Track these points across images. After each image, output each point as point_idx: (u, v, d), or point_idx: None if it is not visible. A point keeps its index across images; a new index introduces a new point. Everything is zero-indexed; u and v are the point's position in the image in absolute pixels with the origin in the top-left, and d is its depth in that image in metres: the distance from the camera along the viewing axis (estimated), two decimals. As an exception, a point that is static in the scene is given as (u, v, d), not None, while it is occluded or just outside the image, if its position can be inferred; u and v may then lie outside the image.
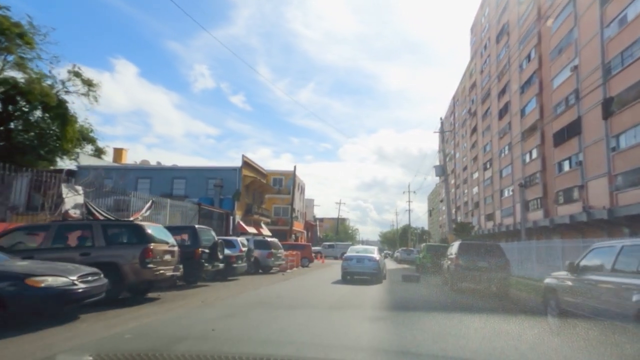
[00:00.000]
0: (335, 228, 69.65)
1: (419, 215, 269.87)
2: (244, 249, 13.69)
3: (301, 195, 45.02)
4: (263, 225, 29.46)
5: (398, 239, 78.19)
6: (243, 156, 25.74)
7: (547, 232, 30.06)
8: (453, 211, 78.97)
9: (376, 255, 15.07)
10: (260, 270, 16.02)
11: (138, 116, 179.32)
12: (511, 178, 39.14)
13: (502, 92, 42.08)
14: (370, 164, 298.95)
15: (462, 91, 69.88)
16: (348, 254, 15.46)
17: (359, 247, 19.16)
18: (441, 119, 29.26)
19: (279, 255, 16.88)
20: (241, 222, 23.90)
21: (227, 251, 11.97)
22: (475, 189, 54.41)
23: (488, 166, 48.34)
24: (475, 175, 54.77)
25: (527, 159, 34.49)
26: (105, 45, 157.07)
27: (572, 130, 25.96)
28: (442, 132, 29.23)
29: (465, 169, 66.02)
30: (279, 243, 17.36)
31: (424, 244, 21.15)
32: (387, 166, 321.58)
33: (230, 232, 22.11)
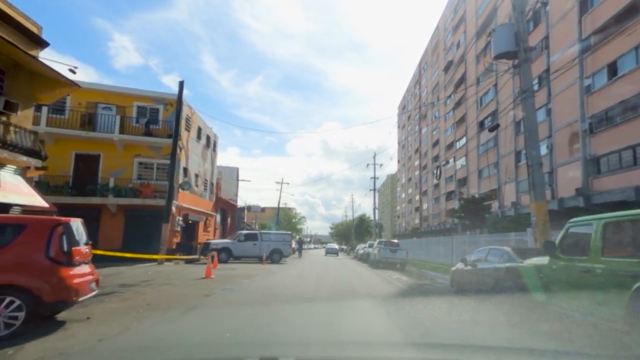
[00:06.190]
0: (276, 216, 50.62)
1: (365, 210, 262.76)
2: None
3: (208, 152, 25.21)
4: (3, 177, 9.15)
5: (354, 231, 61.28)
6: None
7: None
8: (417, 198, 64.39)
9: (337, 247, 44.69)
10: None
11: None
12: (547, 127, 23.63)
13: None
14: (317, 158, 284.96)
15: (433, 50, 55.04)
16: (327, 246, 40.76)
17: (331, 243, 48.13)
18: None
19: None
20: None
21: None
22: (462, 161, 39.16)
23: (487, 123, 33.07)
24: (461, 142, 39.49)
25: (601, 80, 18.90)
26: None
27: None
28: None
29: (436, 143, 51.20)
30: None
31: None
32: (333, 161, 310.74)
33: None
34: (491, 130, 12.14)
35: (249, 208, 44.38)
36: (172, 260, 17.24)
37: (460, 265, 9.04)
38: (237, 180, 34.85)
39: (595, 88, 19.26)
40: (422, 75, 60.67)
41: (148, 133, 18.44)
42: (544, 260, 5.25)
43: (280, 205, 57.86)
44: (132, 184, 17.61)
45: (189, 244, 20.26)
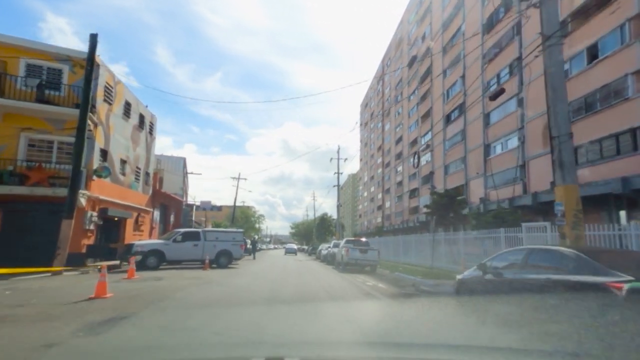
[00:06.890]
0: (232, 214, 46.04)
1: (326, 209, 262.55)
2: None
3: (141, 135, 20.55)
4: None
5: (315, 230, 58.30)
6: None
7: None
8: (379, 196, 63.13)
9: (296, 247, 47.34)
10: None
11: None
12: (519, 118, 22.38)
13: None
14: (277, 157, 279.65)
15: (397, 45, 53.94)
16: (286, 247, 42.78)
17: (290, 243, 50.97)
18: None
19: None
20: None
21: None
22: (427, 157, 37.85)
23: (453, 117, 31.85)
24: (427, 137, 38.18)
25: (580, 65, 17.67)
26: None
27: None
28: None
29: (399, 140, 50.01)
30: None
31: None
32: (294, 161, 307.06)
33: None
34: (494, 97, 9.75)
35: (200, 205, 39.42)
36: (79, 270, 12.77)
37: (474, 273, 6.23)
38: (185, 172, 30.07)
39: (572, 73, 18.04)
40: (385, 71, 59.53)
41: (43, 100, 13.72)
42: None
43: (240, 204, 53.21)
44: (14, 166, 12.85)
45: (107, 247, 15.71)
